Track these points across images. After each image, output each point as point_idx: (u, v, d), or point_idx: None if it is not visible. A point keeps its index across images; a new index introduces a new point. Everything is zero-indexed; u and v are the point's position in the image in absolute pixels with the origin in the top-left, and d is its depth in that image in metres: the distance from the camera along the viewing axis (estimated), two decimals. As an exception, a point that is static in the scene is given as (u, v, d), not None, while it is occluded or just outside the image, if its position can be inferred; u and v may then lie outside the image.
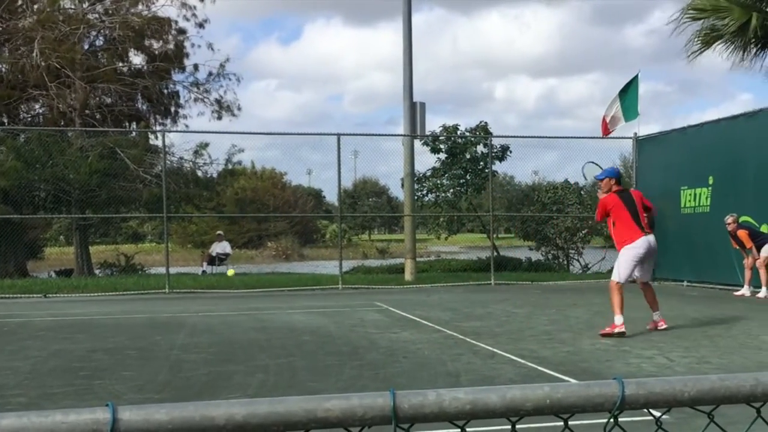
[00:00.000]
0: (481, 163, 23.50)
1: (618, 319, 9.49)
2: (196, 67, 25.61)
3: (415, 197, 21.74)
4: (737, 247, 15.10)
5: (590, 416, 1.69)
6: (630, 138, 19.94)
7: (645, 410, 1.56)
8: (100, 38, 25.51)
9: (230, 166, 24.91)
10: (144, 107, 26.00)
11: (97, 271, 24.82)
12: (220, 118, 25.87)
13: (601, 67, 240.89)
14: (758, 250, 14.60)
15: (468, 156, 23.51)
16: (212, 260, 23.66)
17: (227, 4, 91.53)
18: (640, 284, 10.13)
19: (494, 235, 23.38)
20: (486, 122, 24.33)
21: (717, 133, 16.90)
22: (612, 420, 1.50)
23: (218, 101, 25.73)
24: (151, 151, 23.30)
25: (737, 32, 17.34)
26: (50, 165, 21.56)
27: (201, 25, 25.64)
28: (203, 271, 23.29)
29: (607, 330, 9.50)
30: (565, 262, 23.79)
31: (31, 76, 21.99)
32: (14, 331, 10.83)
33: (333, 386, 6.74)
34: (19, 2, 23.73)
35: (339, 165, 18.67)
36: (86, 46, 24.76)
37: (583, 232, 23.19)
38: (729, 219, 14.92)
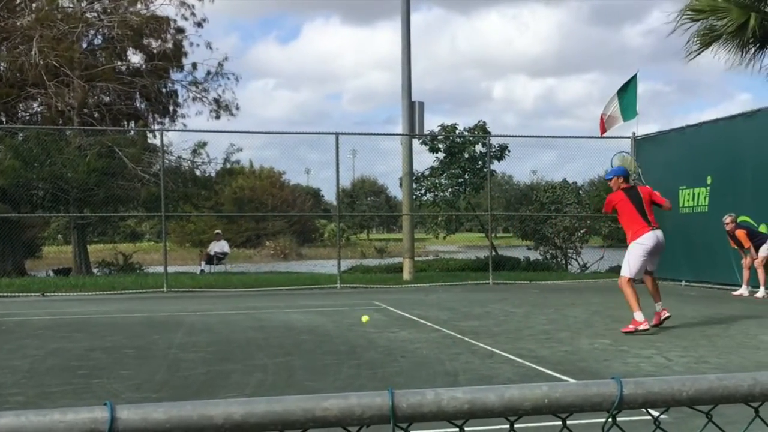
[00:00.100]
0: (480, 162, 23.50)
1: (638, 315, 9.50)
2: (194, 66, 25.63)
3: (414, 196, 21.74)
4: (735, 247, 15.11)
5: (589, 416, 1.69)
6: (628, 138, 19.95)
7: (643, 410, 1.56)
8: (99, 37, 25.51)
9: (228, 165, 24.92)
10: (142, 106, 25.99)
11: (95, 270, 24.82)
12: (218, 117, 25.90)
13: (599, 67, 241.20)
14: (756, 249, 14.62)
15: (466, 155, 23.51)
16: (210, 259, 23.67)
17: (226, 3, 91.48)
18: (644, 274, 10.12)
19: (492, 235, 23.38)
20: (484, 122, 24.36)
21: (715, 133, 16.91)
22: (610, 419, 1.50)
23: (216, 100, 25.74)
24: (150, 150, 23.29)
25: (736, 32, 17.34)
26: (48, 164, 21.55)
27: (199, 24, 25.66)
28: (201, 271, 23.30)
29: (630, 328, 9.51)
30: (564, 262, 23.80)
31: (29, 74, 21.97)
32: (12, 329, 10.82)
33: (331, 385, 6.73)
34: (18, 1, 23.71)
35: (337, 164, 18.68)
36: (85, 45, 24.76)
37: (582, 231, 23.20)
38: (727, 219, 14.93)
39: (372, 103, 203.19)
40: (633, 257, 9.78)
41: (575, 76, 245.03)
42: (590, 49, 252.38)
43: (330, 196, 59.02)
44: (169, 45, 25.18)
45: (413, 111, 19.31)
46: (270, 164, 57.15)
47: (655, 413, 1.69)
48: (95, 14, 24.65)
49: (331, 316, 12.02)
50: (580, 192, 24.59)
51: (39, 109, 25.10)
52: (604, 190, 37.14)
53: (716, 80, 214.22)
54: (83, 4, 24.47)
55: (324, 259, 42.12)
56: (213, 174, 25.11)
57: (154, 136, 24.47)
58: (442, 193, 24.14)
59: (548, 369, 7.42)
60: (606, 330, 10.13)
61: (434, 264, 25.04)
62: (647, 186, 10.49)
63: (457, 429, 1.49)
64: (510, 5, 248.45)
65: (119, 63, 24.85)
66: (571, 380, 5.58)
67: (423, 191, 24.06)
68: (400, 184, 20.94)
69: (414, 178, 21.64)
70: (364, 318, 11.04)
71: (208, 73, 25.63)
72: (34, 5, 23.78)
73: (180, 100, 26.25)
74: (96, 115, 24.07)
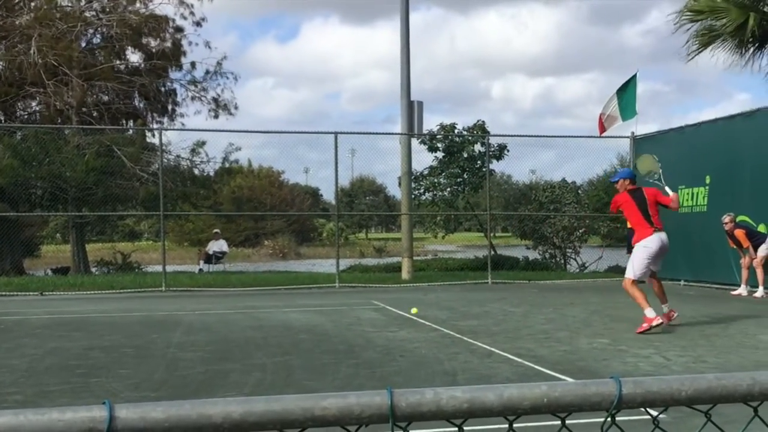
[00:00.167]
0: (479, 162, 23.51)
1: (649, 312, 9.57)
2: (193, 64, 25.61)
3: (413, 196, 21.74)
4: (734, 247, 15.12)
5: (588, 415, 1.69)
6: (627, 137, 19.96)
7: (642, 409, 1.56)
8: (98, 36, 25.49)
9: (227, 165, 24.91)
10: (141, 105, 25.98)
11: (93, 269, 24.81)
12: (216, 116, 25.89)
13: (598, 67, 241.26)
14: (755, 249, 14.63)
15: (465, 155, 23.52)
16: (209, 258, 23.66)
17: (225, 2, 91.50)
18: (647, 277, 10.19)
19: (491, 234, 23.39)
20: (483, 121, 24.37)
21: (714, 133, 16.92)
22: (609, 419, 1.50)
23: (215, 100, 25.73)
24: (148, 149, 23.29)
25: (735, 32, 17.36)
26: (47, 163, 21.54)
27: (198, 24, 25.63)
28: (200, 270, 23.28)
29: (644, 327, 9.55)
30: (562, 261, 23.81)
31: (28, 73, 21.96)
32: (11, 328, 10.82)
33: (329, 385, 6.73)
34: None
35: (336, 163, 18.67)
36: (83, 44, 24.74)
37: (580, 231, 23.20)
38: (726, 218, 14.94)
39: (371, 103, 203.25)
40: (637, 260, 9.89)
41: (574, 75, 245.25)
42: (589, 48, 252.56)
43: (329, 195, 59.05)
44: (168, 44, 25.16)
45: (412, 110, 19.31)
46: (269, 163, 57.15)
47: (654, 413, 1.69)
48: (94, 13, 24.63)
49: (329, 316, 12.02)
50: (579, 191, 24.59)
51: (37, 108, 25.09)
52: (603, 189, 37.22)
53: (715, 80, 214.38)
54: (82, 3, 24.45)
55: (323, 258, 42.10)
56: (212, 173, 25.11)
57: (153, 135, 24.49)
58: (440, 193, 24.14)
59: (547, 368, 7.42)
60: (605, 329, 10.14)
61: (433, 263, 25.04)
62: (653, 187, 10.58)
63: (456, 428, 1.48)
64: (509, 5, 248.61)
65: (118, 62, 24.83)
66: (570, 380, 5.59)
67: (422, 191, 24.06)
68: (399, 184, 20.94)
69: (413, 177, 21.64)
70: (414, 310, 11.29)
71: (207, 72, 25.64)
72: (32, 4, 23.76)
73: (179, 99, 26.26)
74: (95, 114, 24.05)
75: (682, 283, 17.61)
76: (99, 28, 24.84)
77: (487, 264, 20.05)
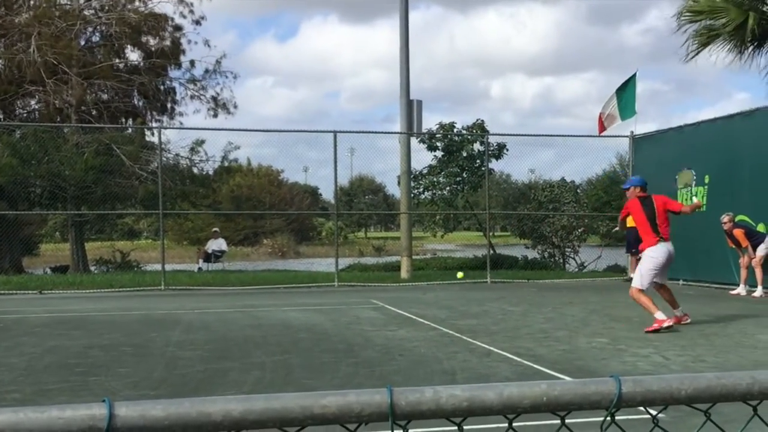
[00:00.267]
0: (478, 161, 23.51)
1: (659, 315, 9.69)
2: (192, 63, 25.60)
3: (412, 195, 21.73)
4: (733, 246, 15.12)
5: (587, 414, 1.68)
6: (627, 136, 19.96)
7: (642, 408, 1.56)
8: (97, 34, 25.48)
9: (226, 163, 24.90)
10: (140, 104, 25.97)
11: (92, 268, 24.80)
12: (216, 115, 25.89)
13: (597, 66, 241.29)
14: (754, 249, 14.63)
15: (464, 154, 23.51)
16: (208, 257, 23.64)
17: (224, 0, 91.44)
18: (655, 286, 10.25)
19: (490, 233, 23.38)
20: (482, 120, 24.36)
21: (713, 132, 16.92)
22: (609, 418, 1.50)
23: (214, 99, 25.72)
24: (147, 147, 23.28)
25: (734, 32, 17.36)
26: (46, 161, 21.53)
27: (198, 22, 25.63)
28: (199, 268, 23.26)
29: (654, 326, 9.63)
30: (561, 261, 23.81)
31: (27, 71, 21.95)
32: (9, 327, 10.81)
33: (328, 383, 6.73)
34: (16, -2, 23.70)
35: (335, 162, 18.67)
36: (82, 43, 24.74)
37: (579, 230, 23.21)
38: (725, 218, 14.94)
39: (370, 102, 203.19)
40: (645, 270, 10.04)
41: (573, 75, 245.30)
42: (588, 48, 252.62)
43: (328, 194, 59.06)
44: (167, 42, 25.16)
45: (411, 109, 19.31)
46: (268, 162, 57.00)
47: (654, 412, 1.69)
48: (93, 11, 24.62)
49: (328, 315, 12.02)
50: (578, 191, 24.60)
51: (37, 107, 25.09)
52: (602, 189, 37.21)
53: (714, 79, 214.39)
54: (81, 2, 24.44)
55: (322, 257, 42.09)
56: (211, 172, 25.10)
57: (152, 134, 24.47)
58: (440, 192, 24.13)
59: (546, 368, 7.43)
60: (603, 329, 10.14)
61: (432, 262, 25.04)
62: (663, 195, 10.87)
63: (456, 427, 1.48)
64: (508, 4, 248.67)
65: (117, 60, 24.82)
66: (569, 379, 5.59)
67: (421, 190, 24.05)
68: (398, 183, 20.94)
69: (412, 176, 21.64)
70: (459, 274, 11.41)
71: (206, 71, 25.64)
72: (32, 2, 23.75)
73: (178, 97, 26.26)
74: (94, 112, 24.05)
75: (681, 282, 17.61)
76: (98, 27, 24.84)
77: (487, 263, 20.05)
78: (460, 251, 39.94)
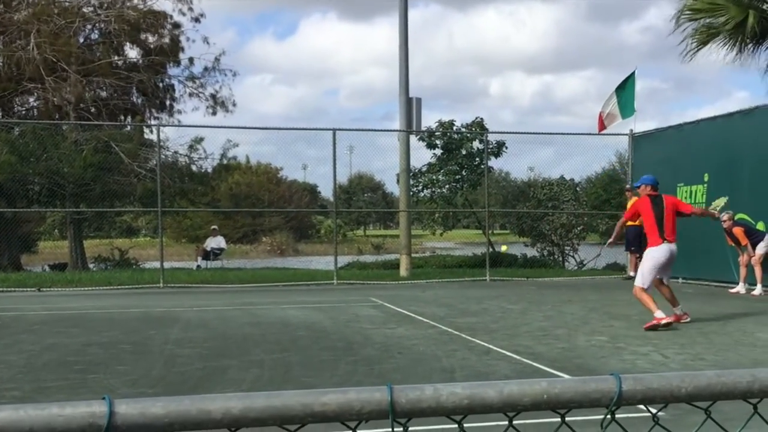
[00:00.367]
0: (477, 159, 23.50)
1: (659, 313, 9.73)
2: (191, 60, 25.58)
3: (411, 193, 21.73)
4: (733, 245, 15.12)
5: (587, 412, 1.68)
6: (626, 135, 19.96)
7: (642, 407, 1.56)
8: (96, 32, 25.46)
9: (225, 161, 24.89)
10: (139, 101, 25.95)
11: (91, 266, 24.78)
12: (214, 113, 25.86)
13: (596, 64, 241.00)
14: (753, 247, 14.64)
15: (464, 152, 23.50)
16: (207, 255, 23.63)
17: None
18: (655, 282, 10.27)
19: (489, 231, 23.39)
20: (482, 118, 24.34)
21: (713, 131, 16.93)
22: (609, 416, 1.49)
23: (213, 96, 25.71)
24: (146, 145, 23.26)
25: (734, 30, 17.36)
26: (44, 158, 21.51)
27: (197, 20, 25.60)
28: (198, 266, 23.25)
29: (653, 323, 9.68)
30: (561, 259, 23.82)
31: (26, 69, 21.93)
32: (8, 324, 10.81)
33: (327, 381, 6.74)
34: (14, -5, 23.67)
35: (334, 160, 18.65)
36: (81, 40, 24.71)
37: (579, 228, 23.21)
38: (724, 216, 14.93)
39: (369, 100, 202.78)
40: (646, 269, 10.12)
41: (572, 73, 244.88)
42: (587, 46, 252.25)
43: (327, 192, 59.04)
44: (166, 40, 25.13)
45: (411, 107, 19.29)
46: (267, 160, 57.04)
47: (654, 410, 1.69)
48: (92, 9, 24.59)
49: (327, 312, 12.02)
50: (578, 189, 24.60)
51: (35, 104, 25.07)
52: (602, 187, 37.21)
53: (713, 78, 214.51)
54: (80, -1, 24.42)
55: (321, 255, 42.07)
56: (209, 169, 25.09)
57: (151, 132, 24.44)
58: (439, 190, 24.12)
59: (545, 366, 7.43)
60: (603, 327, 10.15)
61: (431, 260, 25.03)
62: (674, 196, 10.99)
63: (456, 425, 1.48)
64: (507, 2, 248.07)
65: (116, 58, 24.81)
66: (568, 377, 5.59)
67: (420, 188, 24.04)
68: (398, 181, 20.93)
69: (411, 174, 21.63)
70: (504, 248, 11.47)
71: (205, 68, 25.62)
72: (30, -1, 23.73)
73: (177, 95, 26.24)
74: (92, 110, 24.02)
75: (680, 280, 17.61)
76: (97, 24, 24.81)
77: (486, 261, 20.05)
78: (459, 249, 39.96)
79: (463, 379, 6.75)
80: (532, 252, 24.18)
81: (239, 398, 1.31)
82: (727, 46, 17.82)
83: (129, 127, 24.63)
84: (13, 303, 13.95)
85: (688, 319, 10.36)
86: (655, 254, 10.09)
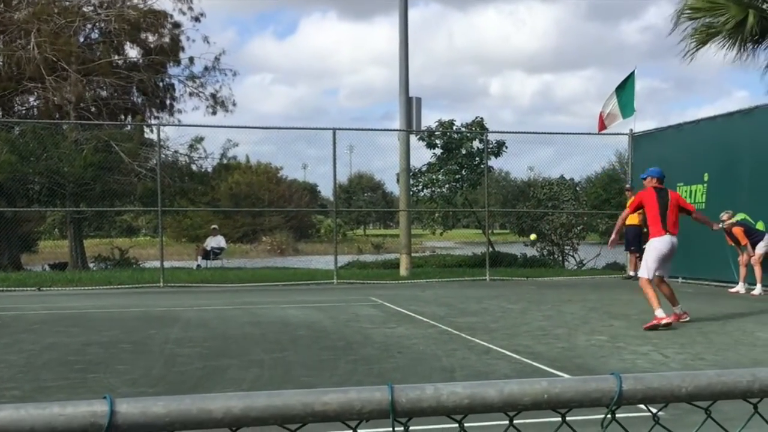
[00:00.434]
0: (477, 158, 23.50)
1: (659, 312, 9.74)
2: (191, 60, 25.58)
3: (411, 192, 21.73)
4: (732, 244, 15.12)
5: (588, 412, 1.69)
6: (626, 134, 19.96)
7: (642, 407, 1.56)
8: (96, 31, 25.45)
9: (225, 161, 24.89)
10: (139, 101, 25.95)
11: (91, 265, 24.78)
12: (214, 113, 25.86)
13: (596, 64, 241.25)
14: (753, 247, 14.64)
15: (464, 151, 23.50)
16: (207, 254, 23.63)
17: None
18: (656, 280, 10.28)
19: (489, 231, 23.38)
20: (482, 118, 24.34)
21: (713, 130, 16.93)
22: (609, 415, 1.50)
23: (213, 96, 25.71)
24: (146, 144, 23.26)
25: (734, 30, 17.35)
26: (45, 158, 21.51)
27: (197, 19, 25.60)
28: (198, 266, 23.25)
29: (653, 323, 9.68)
30: (560, 258, 23.82)
31: (27, 68, 21.92)
32: (8, 324, 10.81)
33: (327, 381, 6.74)
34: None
35: (334, 160, 18.65)
36: (81, 39, 24.70)
37: (578, 228, 23.21)
38: (724, 216, 14.94)
39: (369, 99, 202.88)
40: (650, 260, 10.14)
41: (572, 72, 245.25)
42: (587, 45, 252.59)
43: (327, 191, 59.06)
44: (166, 39, 25.12)
45: (411, 107, 19.29)
46: (267, 159, 57.02)
47: (654, 409, 1.69)
48: (92, 8, 24.59)
49: (327, 312, 12.02)
50: (577, 189, 24.60)
51: (35, 103, 25.07)
52: (601, 186, 37.20)
53: (713, 77, 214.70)
54: (80, -2, 24.41)
55: (321, 254, 42.06)
56: (210, 169, 25.09)
57: (151, 131, 24.43)
58: (439, 189, 24.12)
59: (545, 365, 7.43)
60: (602, 326, 10.15)
61: (431, 260, 25.04)
62: (677, 192, 10.98)
63: (457, 424, 1.48)
64: (507, 1, 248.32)
65: (116, 57, 24.80)
66: (568, 376, 5.59)
67: (420, 187, 24.05)
68: (397, 180, 20.92)
69: (411, 174, 21.62)
70: (533, 236, 11.50)
71: (206, 68, 25.63)
72: (30, -2, 23.72)
73: (177, 94, 26.24)
74: (93, 109, 24.01)
75: (680, 280, 17.61)
76: (97, 24, 24.81)
77: (485, 261, 20.05)
78: (459, 249, 39.95)
79: (462, 379, 6.75)
80: (531, 252, 24.18)
81: (240, 398, 1.31)
82: (726, 46, 17.81)
83: (129, 127, 24.62)
84: (13, 302, 13.95)
85: (688, 318, 10.37)
86: (658, 245, 10.09)
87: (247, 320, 11.03)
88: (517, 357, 7.89)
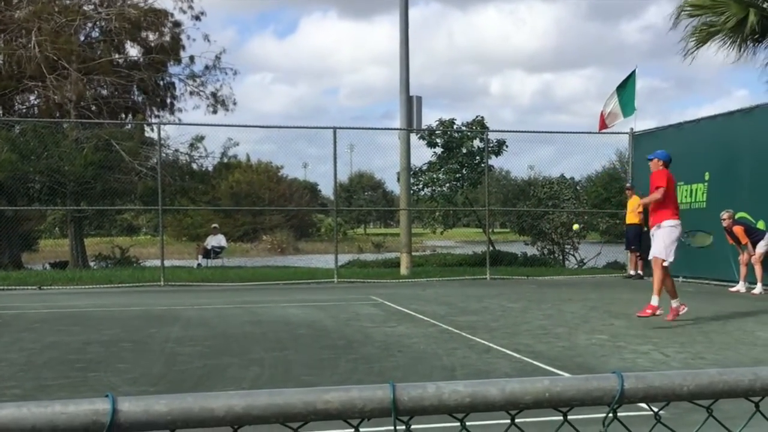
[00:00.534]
0: (477, 157, 23.50)
1: (655, 300, 9.76)
2: (192, 59, 25.58)
3: (411, 191, 21.72)
4: (733, 243, 15.13)
5: (589, 410, 1.69)
6: (626, 133, 19.96)
7: (643, 406, 1.56)
8: (96, 30, 25.46)
9: (225, 160, 24.88)
10: (140, 99, 25.95)
11: (92, 264, 24.79)
12: (215, 112, 25.87)
13: (596, 63, 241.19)
14: (753, 246, 14.64)
15: (464, 150, 23.50)
16: (207, 253, 23.63)
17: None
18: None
19: (490, 230, 23.38)
20: (482, 117, 24.34)
21: (713, 129, 16.92)
22: (611, 414, 1.50)
23: (214, 95, 25.71)
24: (147, 143, 23.26)
25: (734, 28, 17.34)
26: (45, 157, 21.51)
27: (197, 18, 25.60)
28: (198, 264, 23.26)
29: (647, 312, 9.72)
30: (561, 257, 23.82)
31: (27, 67, 21.92)
32: (9, 323, 10.82)
33: (328, 380, 6.74)
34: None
35: (335, 158, 18.65)
36: (82, 38, 24.70)
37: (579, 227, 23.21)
38: (725, 215, 14.94)
39: (369, 98, 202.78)
40: (669, 241, 9.97)
41: (572, 71, 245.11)
42: (587, 44, 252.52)
43: (327, 190, 59.00)
44: (167, 38, 25.13)
45: (411, 106, 19.29)
46: (267, 158, 57.09)
47: (655, 408, 1.69)
48: (93, 7, 24.59)
49: (328, 311, 12.03)
50: (578, 188, 24.59)
51: (36, 102, 25.07)
52: (602, 185, 37.17)
53: (713, 76, 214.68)
54: (80, -3, 24.41)
55: (321, 253, 42.07)
56: (210, 168, 25.09)
57: (152, 130, 24.44)
58: (439, 188, 24.12)
59: (545, 364, 7.43)
60: (603, 326, 10.14)
61: (431, 259, 25.04)
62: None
63: (458, 423, 1.48)
64: (507, 0, 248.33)
65: (117, 56, 24.80)
66: (569, 375, 5.58)
67: (420, 186, 24.04)
68: (398, 179, 20.92)
69: (411, 173, 21.62)
70: (575, 226, 11.44)
71: (206, 67, 25.63)
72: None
73: (177, 93, 26.24)
74: (93, 108, 24.01)
75: (680, 279, 17.58)
76: (98, 22, 24.81)
77: (486, 260, 20.05)
78: (459, 248, 39.96)
79: (463, 378, 6.75)
80: (532, 250, 24.18)
81: (242, 396, 1.31)
82: (727, 45, 17.80)
83: (130, 126, 24.62)
84: (13, 301, 13.96)
85: (686, 309, 10.23)
86: (674, 224, 10.00)
87: (247, 319, 11.03)
88: (518, 356, 7.89)
